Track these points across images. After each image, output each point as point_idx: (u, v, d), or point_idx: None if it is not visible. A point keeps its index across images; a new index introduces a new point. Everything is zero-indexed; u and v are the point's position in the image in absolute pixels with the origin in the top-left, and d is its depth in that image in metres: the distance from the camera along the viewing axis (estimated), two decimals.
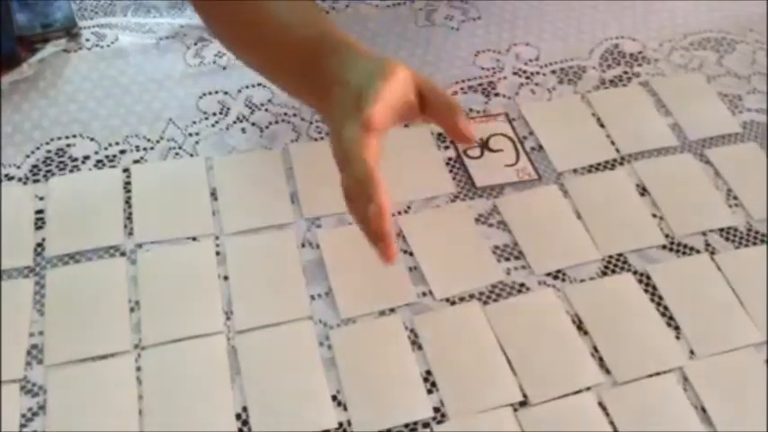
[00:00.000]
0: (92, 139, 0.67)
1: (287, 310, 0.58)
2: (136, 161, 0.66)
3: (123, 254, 0.60)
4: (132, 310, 0.57)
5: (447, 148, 0.70)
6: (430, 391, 0.54)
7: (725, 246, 0.64)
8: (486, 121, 0.72)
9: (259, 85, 0.72)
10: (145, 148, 0.67)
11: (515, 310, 0.59)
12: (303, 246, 0.62)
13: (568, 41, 0.80)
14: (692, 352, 0.57)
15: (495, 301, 0.59)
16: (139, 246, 0.60)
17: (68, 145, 0.67)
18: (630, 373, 0.55)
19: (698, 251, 0.63)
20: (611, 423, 0.53)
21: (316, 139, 0.69)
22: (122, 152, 0.67)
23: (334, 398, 0.54)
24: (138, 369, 0.54)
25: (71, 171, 0.65)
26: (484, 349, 0.56)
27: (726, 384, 0.55)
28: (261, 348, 0.56)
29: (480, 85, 0.75)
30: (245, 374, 0.54)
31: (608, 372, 0.56)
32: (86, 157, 0.66)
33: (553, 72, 0.77)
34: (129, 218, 0.62)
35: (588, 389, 0.55)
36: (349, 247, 0.62)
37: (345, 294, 0.59)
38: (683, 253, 0.63)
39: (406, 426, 0.53)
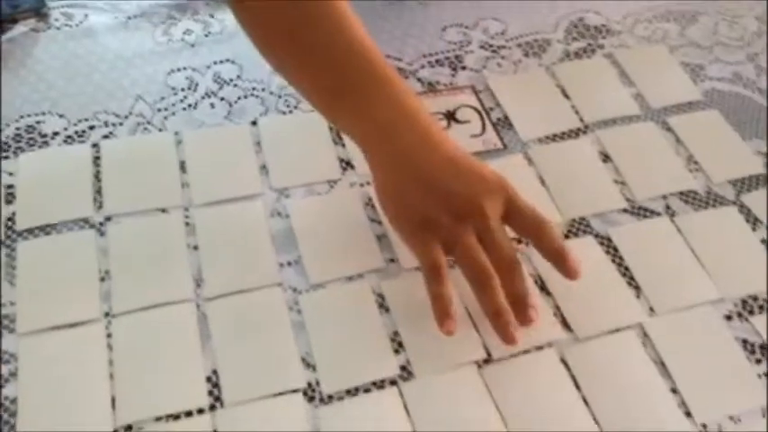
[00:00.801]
0: (61, 116, 0.68)
1: (256, 277, 0.59)
2: (105, 136, 0.67)
3: (93, 226, 0.61)
4: (102, 279, 0.58)
5: None
6: (397, 351, 0.55)
7: (684, 209, 0.65)
8: (453, 94, 0.73)
9: (227, 61, 0.73)
10: (114, 124, 0.68)
11: None
12: (272, 216, 0.63)
13: (534, 16, 0.81)
14: (651, 309, 0.59)
15: None
16: (109, 218, 0.61)
17: (38, 122, 0.67)
18: (591, 329, 0.57)
19: (658, 214, 0.65)
20: (573, 378, 0.55)
21: (284, 113, 0.70)
22: (91, 128, 0.67)
23: (303, 359, 0.55)
24: (109, 336, 0.55)
25: (41, 147, 0.66)
26: None
27: (684, 339, 0.57)
28: (230, 314, 0.56)
29: (447, 58, 0.76)
30: (215, 339, 0.55)
31: (570, 329, 0.57)
32: (56, 134, 0.67)
33: (519, 45, 0.78)
34: (98, 191, 0.63)
35: (550, 345, 0.56)
36: (318, 217, 0.63)
37: (314, 261, 0.60)
38: (644, 216, 0.65)
39: (374, 384, 0.54)
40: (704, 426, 0.53)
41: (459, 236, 0.53)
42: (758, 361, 0.57)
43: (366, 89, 0.56)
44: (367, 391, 0.54)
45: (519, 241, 0.60)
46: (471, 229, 0.53)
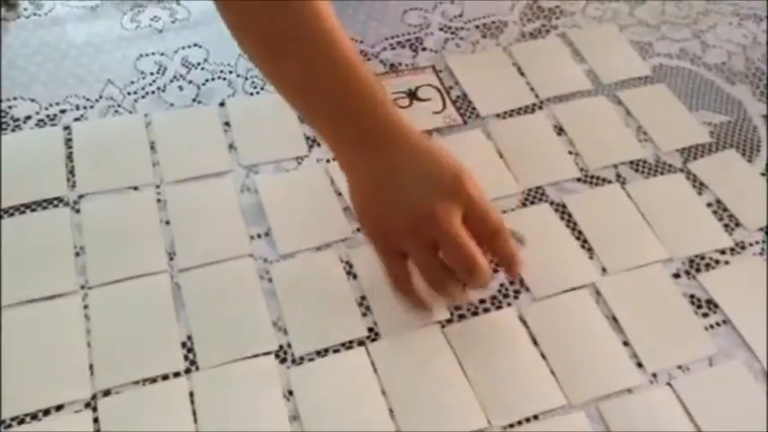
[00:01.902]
0: (33, 101, 0.70)
1: (228, 249, 0.61)
2: (76, 119, 0.69)
3: (67, 204, 0.62)
4: (78, 254, 0.60)
5: None
6: (364, 314, 0.58)
7: (635, 176, 0.69)
8: (414, 74, 0.76)
9: (195, 45, 0.75)
10: (84, 107, 0.69)
11: None
12: (242, 191, 0.65)
13: None
14: (603, 269, 0.62)
15: None
16: (82, 196, 0.63)
17: (10, 107, 0.69)
18: (548, 289, 0.60)
19: (610, 182, 0.68)
20: (531, 335, 0.58)
21: (251, 94, 0.72)
22: (62, 111, 0.69)
23: (274, 324, 0.57)
24: (86, 307, 0.57)
25: (13, 131, 0.67)
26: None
27: (635, 297, 0.60)
28: (203, 284, 0.59)
29: (408, 40, 0.79)
30: (189, 307, 0.57)
31: (527, 289, 0.60)
32: (28, 117, 0.68)
33: (477, 27, 0.81)
34: (71, 172, 0.65)
35: (509, 305, 0.59)
36: (286, 191, 0.65)
37: (284, 233, 0.62)
38: (597, 184, 0.68)
39: (343, 345, 0.56)
40: (654, 375, 0.57)
41: (415, 248, 0.55)
42: (705, 315, 0.60)
43: (343, 105, 0.56)
44: (336, 351, 0.56)
45: None
46: (426, 239, 0.54)
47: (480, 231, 0.55)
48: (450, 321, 0.58)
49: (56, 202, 0.63)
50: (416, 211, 0.54)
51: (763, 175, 0.70)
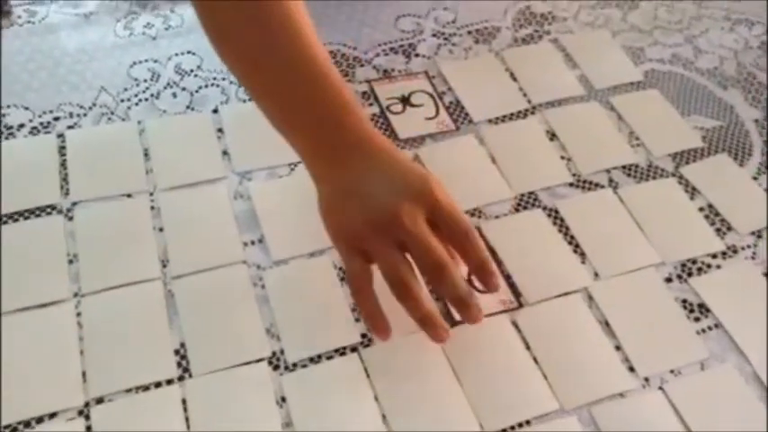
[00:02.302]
0: (26, 108, 0.70)
1: (221, 255, 0.61)
2: (70, 127, 0.69)
3: (60, 211, 0.63)
4: (71, 262, 0.60)
5: (371, 104, 0.74)
6: (357, 320, 0.58)
7: (627, 181, 0.69)
8: (407, 80, 0.77)
9: (188, 52, 0.76)
10: (78, 115, 0.70)
11: None
12: (235, 198, 0.65)
13: (483, 5, 0.84)
14: (596, 274, 0.62)
15: None
16: (75, 204, 0.63)
17: (3, 114, 0.69)
18: (540, 294, 0.60)
19: (602, 186, 0.68)
20: (524, 340, 0.58)
21: (245, 101, 0.72)
22: (56, 119, 0.69)
23: (267, 330, 0.57)
24: (79, 315, 0.57)
25: (7, 138, 0.67)
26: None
27: (627, 301, 0.61)
28: (196, 291, 0.59)
29: (401, 46, 0.80)
30: (182, 315, 0.57)
31: (520, 294, 0.60)
32: (21, 125, 0.68)
33: (469, 33, 0.82)
34: (65, 179, 0.65)
35: (503, 311, 0.59)
36: (280, 197, 0.66)
37: (277, 239, 0.63)
38: (589, 189, 0.68)
39: (336, 351, 0.57)
40: (647, 379, 0.57)
41: (378, 248, 0.53)
42: (696, 319, 0.60)
43: (316, 119, 0.56)
44: (329, 357, 0.56)
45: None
46: (390, 240, 0.53)
47: (449, 235, 0.54)
48: None
49: (49, 210, 0.63)
50: (381, 211, 0.53)
51: (754, 179, 0.70)
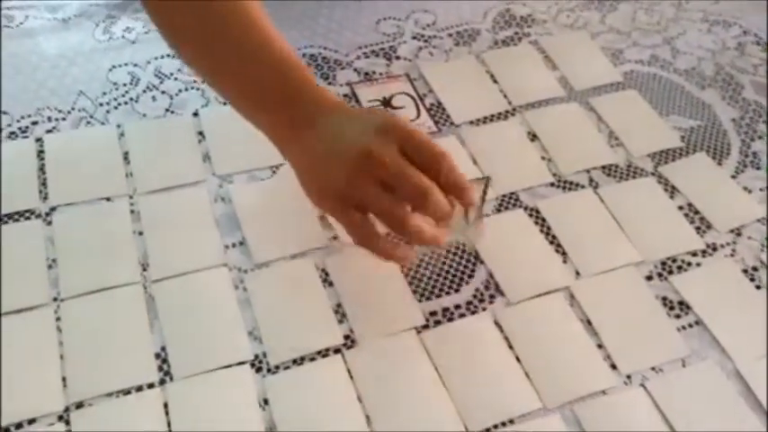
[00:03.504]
0: (5, 113, 0.69)
1: (202, 259, 0.61)
2: (48, 131, 0.68)
3: (39, 216, 0.62)
4: (50, 266, 0.59)
5: (353, 107, 0.74)
6: (340, 321, 0.58)
7: (607, 181, 0.70)
8: (388, 82, 0.77)
9: (168, 56, 0.75)
10: (57, 119, 0.69)
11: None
12: (216, 201, 0.65)
13: (463, 7, 0.85)
14: (577, 273, 0.62)
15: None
16: (54, 208, 0.63)
17: None
18: (522, 293, 0.60)
19: (583, 186, 0.69)
20: (506, 338, 0.58)
21: (225, 104, 0.72)
22: (34, 123, 0.69)
23: (250, 333, 0.57)
24: (58, 319, 0.56)
25: None
26: (389, 281, 0.60)
27: (608, 299, 0.61)
28: (177, 294, 0.58)
29: (382, 49, 0.80)
30: (163, 318, 0.57)
31: (502, 294, 0.60)
32: None
33: (450, 35, 0.82)
34: (43, 184, 0.64)
35: (484, 310, 0.60)
36: (261, 200, 0.65)
37: (258, 242, 0.62)
38: (570, 189, 0.69)
39: (319, 353, 0.56)
40: (628, 376, 0.57)
41: (365, 193, 0.53)
42: (677, 316, 0.61)
43: (276, 93, 0.57)
44: (312, 359, 0.56)
45: None
46: (373, 181, 0.53)
47: (422, 162, 0.53)
48: (426, 327, 0.58)
49: (28, 215, 0.62)
50: (356, 155, 0.53)
51: (733, 177, 0.71)
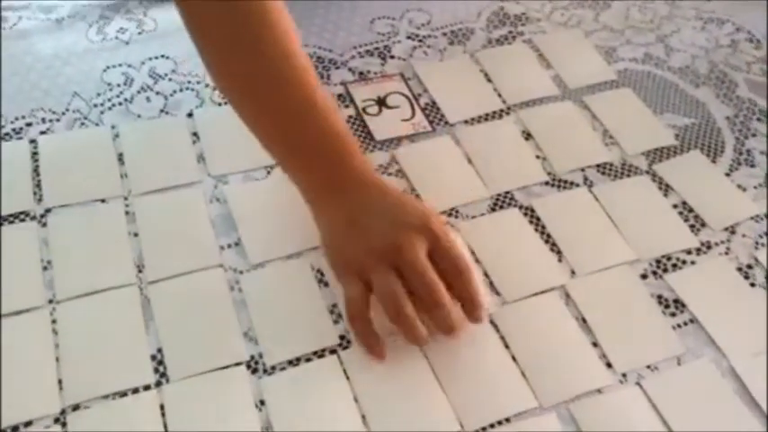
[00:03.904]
0: None
1: (197, 260, 0.61)
2: (42, 133, 0.68)
3: (34, 218, 0.62)
4: (45, 268, 0.59)
5: (347, 106, 0.74)
6: (336, 322, 0.58)
7: (601, 179, 0.70)
8: (383, 82, 0.77)
9: (162, 56, 0.75)
10: (51, 120, 0.69)
11: None
12: (211, 202, 0.65)
13: (457, 6, 0.85)
14: (572, 272, 0.63)
15: None
16: (49, 210, 0.62)
17: None
18: (518, 293, 0.61)
19: (577, 185, 0.69)
20: (502, 338, 0.58)
21: (219, 104, 0.72)
22: (28, 125, 0.69)
23: (245, 334, 0.57)
24: (54, 322, 0.56)
25: None
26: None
27: (603, 298, 0.61)
28: (173, 295, 0.58)
29: (377, 48, 0.80)
30: (159, 320, 0.57)
31: (498, 293, 0.61)
32: None
33: (444, 34, 0.82)
34: (38, 185, 0.64)
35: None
36: (256, 201, 0.65)
37: (254, 243, 0.62)
38: (564, 187, 0.69)
39: (315, 353, 0.56)
40: (624, 375, 0.57)
41: (376, 272, 0.55)
42: (672, 314, 0.61)
43: (320, 156, 0.59)
44: (308, 360, 0.56)
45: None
46: (388, 265, 0.55)
47: (447, 269, 0.56)
48: None
49: (22, 217, 0.62)
50: (384, 240, 0.55)
51: (727, 175, 0.71)
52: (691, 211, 0.68)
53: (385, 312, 0.55)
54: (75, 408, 0.52)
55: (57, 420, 0.52)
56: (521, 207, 0.67)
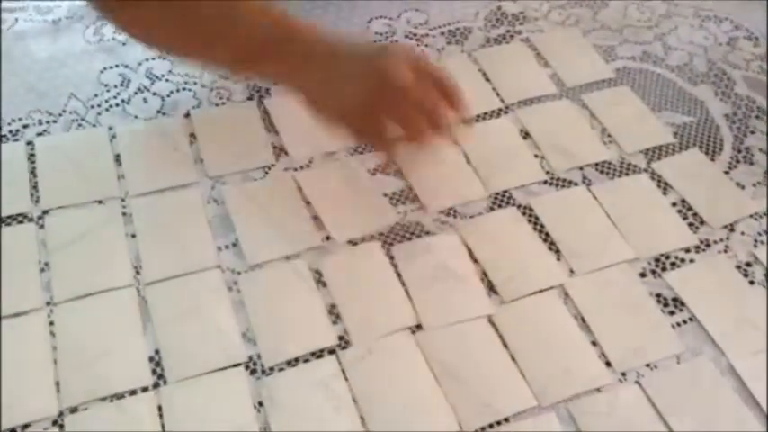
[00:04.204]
0: None
1: (195, 261, 0.61)
2: (39, 134, 0.68)
3: (31, 219, 0.62)
4: (42, 270, 0.59)
5: None
6: (335, 322, 0.58)
7: (600, 178, 0.70)
8: None
9: (159, 57, 0.75)
10: (48, 122, 0.69)
11: (414, 248, 0.63)
12: (208, 202, 0.65)
13: (455, 6, 0.85)
14: (571, 271, 0.62)
15: (398, 242, 0.63)
16: (46, 212, 0.62)
17: None
18: (517, 292, 0.60)
19: (576, 184, 0.69)
20: (501, 337, 0.58)
21: (216, 105, 0.72)
22: (25, 126, 0.68)
23: (243, 335, 0.57)
24: (51, 324, 0.56)
25: None
26: (382, 281, 0.60)
27: (602, 296, 0.61)
28: (170, 297, 0.58)
29: None
30: (156, 321, 0.57)
31: (496, 292, 0.60)
32: None
33: (442, 34, 0.82)
34: (35, 187, 0.64)
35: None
36: (254, 201, 0.65)
37: (252, 243, 0.62)
38: (563, 186, 0.69)
39: (313, 353, 0.56)
40: (623, 374, 0.57)
41: (386, 99, 0.58)
42: (671, 313, 0.61)
43: (268, 46, 0.59)
44: (306, 360, 0.56)
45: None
46: (390, 91, 0.58)
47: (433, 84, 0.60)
48: (419, 327, 0.58)
49: (20, 218, 0.62)
50: (374, 71, 0.58)
51: (725, 173, 0.71)
52: (689, 209, 0.68)
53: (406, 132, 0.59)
54: (73, 410, 0.52)
55: (54, 423, 0.52)
56: (519, 206, 0.67)
